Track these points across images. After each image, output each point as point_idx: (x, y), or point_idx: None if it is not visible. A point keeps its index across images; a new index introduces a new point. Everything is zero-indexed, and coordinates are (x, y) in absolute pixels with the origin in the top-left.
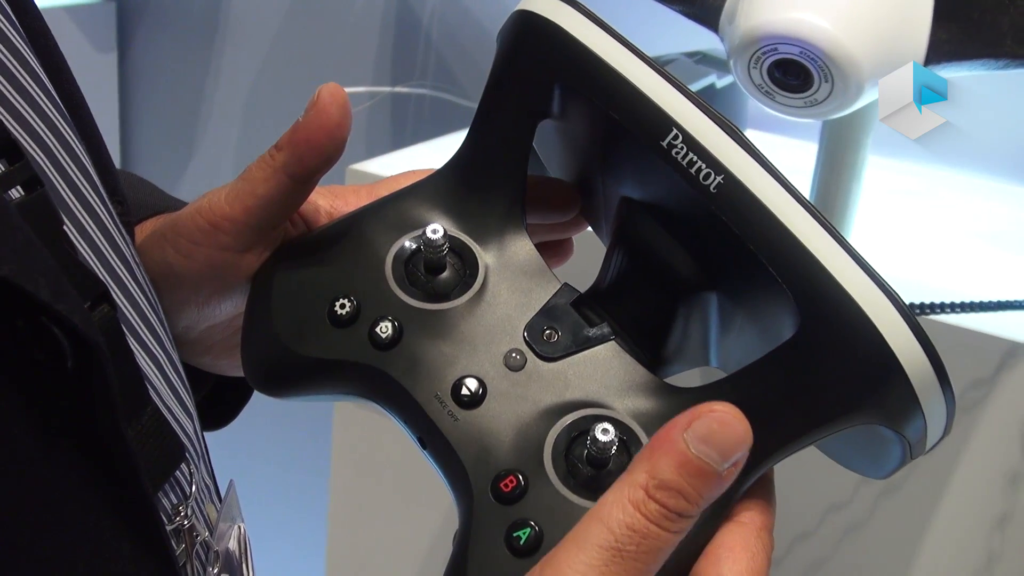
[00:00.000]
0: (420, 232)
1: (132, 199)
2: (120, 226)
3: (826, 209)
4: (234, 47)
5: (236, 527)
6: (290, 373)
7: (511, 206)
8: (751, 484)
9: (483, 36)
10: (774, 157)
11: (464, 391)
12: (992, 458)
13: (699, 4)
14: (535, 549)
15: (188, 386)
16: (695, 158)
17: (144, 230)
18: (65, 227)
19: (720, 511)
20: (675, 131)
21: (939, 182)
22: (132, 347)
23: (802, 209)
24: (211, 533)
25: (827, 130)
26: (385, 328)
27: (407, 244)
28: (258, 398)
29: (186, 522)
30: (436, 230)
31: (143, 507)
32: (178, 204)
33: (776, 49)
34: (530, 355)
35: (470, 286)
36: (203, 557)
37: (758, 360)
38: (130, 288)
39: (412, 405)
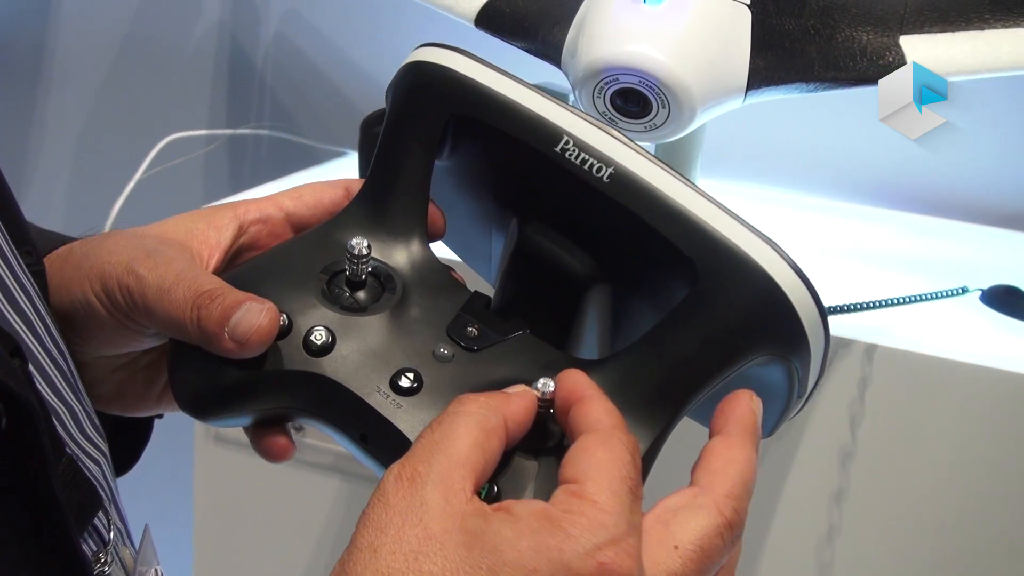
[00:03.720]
0: (344, 249)
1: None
2: (28, 277)
3: None
4: (61, 93)
5: (153, 570)
6: (224, 391)
7: (418, 231)
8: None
9: (316, 75)
10: None
11: (403, 381)
12: (819, 465)
13: (541, 41)
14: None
15: (101, 430)
16: (587, 156)
17: (56, 260)
18: None
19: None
20: (566, 137)
21: (757, 198)
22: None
23: (682, 184)
24: None
25: (659, 154)
26: (319, 335)
27: (330, 265)
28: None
29: (107, 568)
30: (360, 241)
31: (70, 559)
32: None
33: (617, 79)
34: (456, 349)
35: (391, 299)
36: None
37: (666, 317)
38: (31, 345)
39: (353, 401)
